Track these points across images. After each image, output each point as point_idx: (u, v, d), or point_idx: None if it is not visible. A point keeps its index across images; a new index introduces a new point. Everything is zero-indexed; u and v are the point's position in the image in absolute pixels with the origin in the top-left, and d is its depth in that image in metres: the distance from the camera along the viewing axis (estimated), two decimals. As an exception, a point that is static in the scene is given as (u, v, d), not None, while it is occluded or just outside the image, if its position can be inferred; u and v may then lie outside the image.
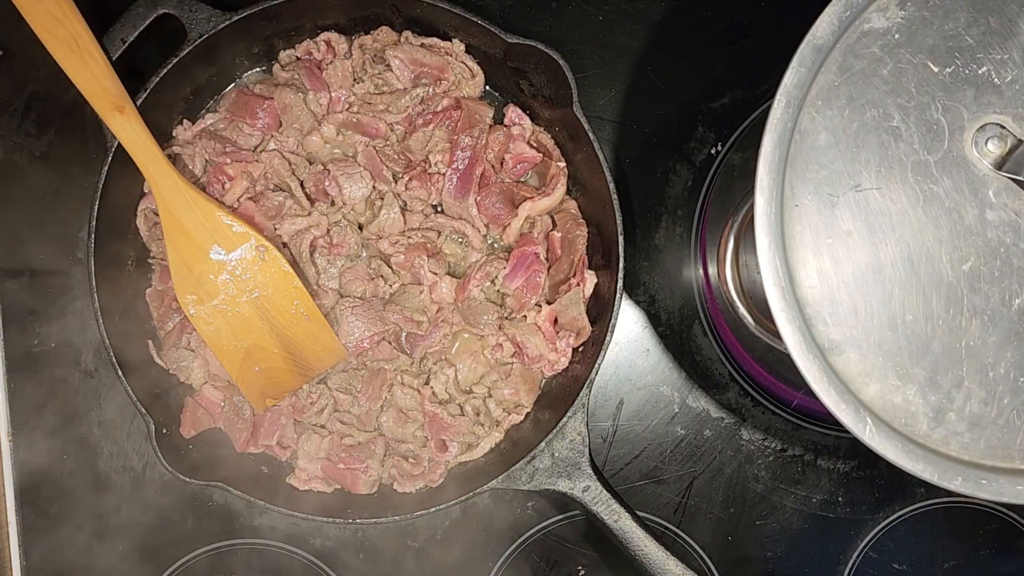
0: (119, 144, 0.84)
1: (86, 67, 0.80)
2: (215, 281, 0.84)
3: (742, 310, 0.92)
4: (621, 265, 0.84)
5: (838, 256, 0.63)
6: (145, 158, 0.83)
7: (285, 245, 0.88)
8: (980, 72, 0.63)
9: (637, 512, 0.84)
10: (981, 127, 0.63)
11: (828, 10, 0.62)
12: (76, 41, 0.79)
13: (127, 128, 0.82)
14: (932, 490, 0.91)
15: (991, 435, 0.64)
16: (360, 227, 0.89)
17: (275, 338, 0.86)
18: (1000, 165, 0.63)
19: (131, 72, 0.84)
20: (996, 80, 0.63)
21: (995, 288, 0.64)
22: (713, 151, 0.95)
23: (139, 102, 0.84)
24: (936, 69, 0.63)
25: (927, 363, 0.64)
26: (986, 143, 0.63)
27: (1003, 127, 0.63)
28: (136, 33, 0.83)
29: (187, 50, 0.84)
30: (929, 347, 0.64)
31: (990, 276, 0.64)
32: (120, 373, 0.84)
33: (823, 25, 0.62)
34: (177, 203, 0.83)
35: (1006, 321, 0.64)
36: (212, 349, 0.85)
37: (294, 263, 0.87)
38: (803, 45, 0.62)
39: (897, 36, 0.63)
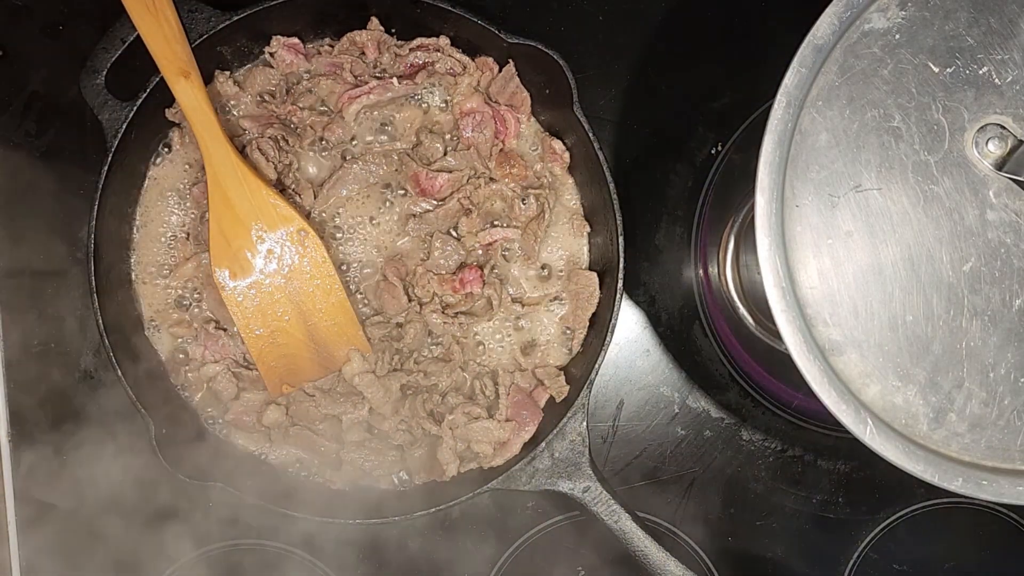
0: (119, 144, 0.84)
1: (160, 29, 0.81)
2: (251, 259, 0.85)
3: (742, 310, 0.92)
4: (621, 265, 0.84)
5: (839, 257, 0.63)
6: (203, 127, 0.83)
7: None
8: (981, 72, 0.63)
9: (637, 512, 0.84)
10: (982, 127, 0.63)
11: (828, 10, 0.62)
12: (154, 2, 0.81)
13: (189, 94, 0.82)
14: (932, 490, 0.90)
15: (991, 436, 0.64)
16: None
17: (302, 324, 0.86)
18: (1000, 165, 0.63)
19: (130, 71, 0.84)
20: (997, 80, 0.63)
21: (995, 289, 0.64)
22: (713, 151, 0.95)
23: (139, 102, 0.84)
24: (937, 69, 0.63)
25: (927, 364, 0.64)
26: (987, 143, 0.63)
27: (1004, 127, 0.63)
28: (136, 33, 0.83)
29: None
30: (929, 348, 0.64)
31: (990, 277, 0.64)
32: (120, 373, 0.84)
33: (823, 25, 0.62)
34: (227, 175, 0.84)
35: (1006, 322, 0.64)
36: (238, 327, 0.86)
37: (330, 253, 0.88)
38: (803, 45, 0.62)
39: (898, 36, 0.63)
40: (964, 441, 0.64)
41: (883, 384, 0.64)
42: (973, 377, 0.64)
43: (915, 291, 0.64)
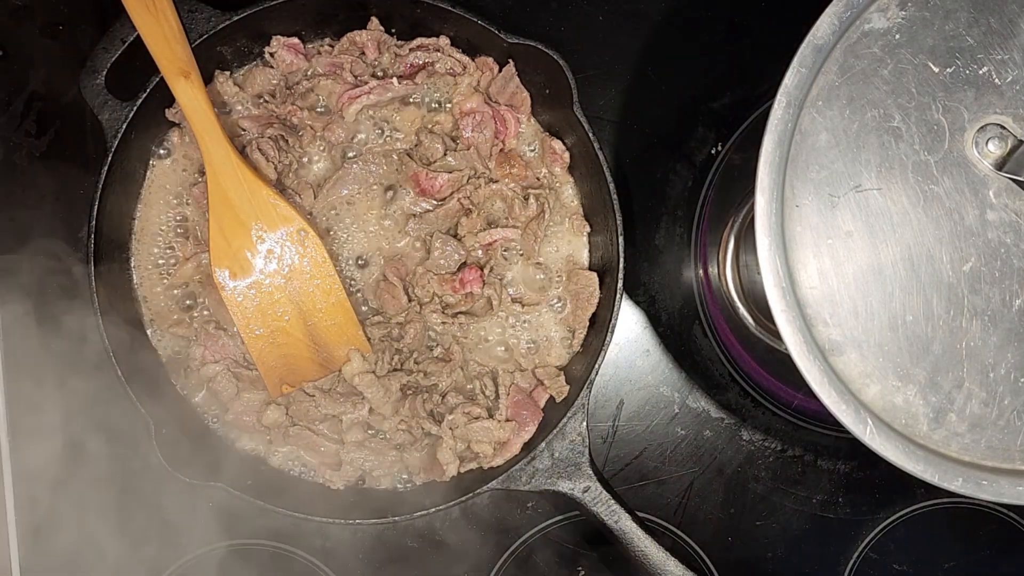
0: (119, 144, 0.84)
1: (160, 29, 0.81)
2: (251, 259, 0.85)
3: (742, 310, 0.92)
4: (621, 265, 0.84)
5: (839, 256, 0.63)
6: (203, 127, 0.83)
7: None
8: (981, 72, 0.63)
9: (637, 513, 0.84)
10: (982, 127, 0.63)
11: (829, 10, 0.62)
12: (154, 2, 0.81)
13: (189, 94, 0.82)
14: (932, 490, 0.91)
15: (991, 436, 0.64)
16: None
17: (302, 325, 0.86)
18: (1000, 165, 0.63)
19: (130, 71, 0.84)
20: (997, 80, 0.63)
21: (995, 289, 0.64)
22: (713, 151, 0.95)
23: (138, 102, 0.84)
24: (937, 69, 0.63)
25: (927, 364, 0.64)
26: (987, 143, 0.63)
27: (1003, 127, 0.63)
28: (136, 33, 0.82)
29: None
30: (929, 348, 0.64)
31: (990, 277, 0.64)
32: (120, 373, 0.83)
33: (824, 25, 0.62)
34: (226, 175, 0.84)
35: (1006, 322, 0.64)
36: (238, 327, 0.86)
37: (331, 253, 0.88)
38: (803, 45, 0.62)
39: (898, 36, 0.63)
40: (964, 441, 0.64)
41: (883, 384, 0.64)
42: (973, 377, 0.64)
43: (915, 291, 0.64)
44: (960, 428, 0.64)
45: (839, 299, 0.63)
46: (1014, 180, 0.63)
